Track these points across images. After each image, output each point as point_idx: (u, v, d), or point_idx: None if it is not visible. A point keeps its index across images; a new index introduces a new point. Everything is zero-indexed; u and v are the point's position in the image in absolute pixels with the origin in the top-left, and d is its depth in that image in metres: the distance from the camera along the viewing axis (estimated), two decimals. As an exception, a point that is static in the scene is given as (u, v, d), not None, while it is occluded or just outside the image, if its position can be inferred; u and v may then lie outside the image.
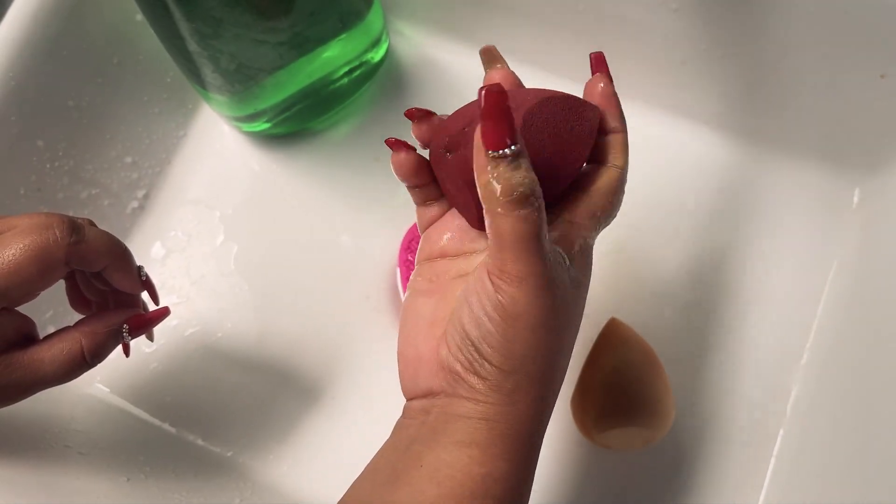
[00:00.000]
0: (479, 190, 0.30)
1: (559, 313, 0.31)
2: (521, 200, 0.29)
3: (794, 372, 0.52)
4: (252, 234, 0.57)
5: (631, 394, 0.48)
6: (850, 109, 0.52)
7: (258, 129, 0.56)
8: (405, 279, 0.53)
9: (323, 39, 0.51)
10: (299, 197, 0.57)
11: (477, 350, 0.31)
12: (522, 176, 0.29)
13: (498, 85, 0.29)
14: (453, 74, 0.59)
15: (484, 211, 0.30)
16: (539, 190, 0.29)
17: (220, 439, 0.52)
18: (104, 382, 0.53)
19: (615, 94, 0.35)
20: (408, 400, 0.35)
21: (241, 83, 0.50)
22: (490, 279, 0.31)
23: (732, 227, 0.55)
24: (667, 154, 0.57)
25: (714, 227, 0.56)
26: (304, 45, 0.50)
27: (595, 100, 0.35)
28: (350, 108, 0.59)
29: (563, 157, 0.32)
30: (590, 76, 0.36)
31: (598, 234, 0.34)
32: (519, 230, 0.29)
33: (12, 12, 0.49)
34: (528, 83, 0.58)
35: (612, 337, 0.50)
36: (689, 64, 0.54)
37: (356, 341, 0.54)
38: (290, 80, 0.52)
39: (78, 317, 0.42)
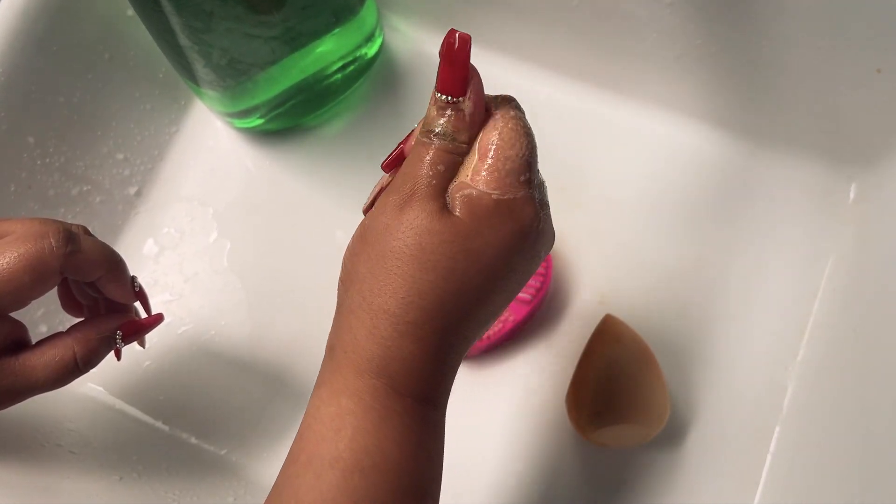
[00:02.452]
0: None
1: (400, 240, 0.30)
2: (435, 138, 0.31)
3: (790, 368, 0.52)
4: (245, 231, 0.56)
5: (626, 391, 0.48)
6: (846, 104, 0.52)
7: (251, 125, 0.56)
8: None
9: (316, 34, 0.50)
10: (293, 193, 0.57)
11: (340, 272, 0.32)
12: (444, 120, 0.31)
13: (466, 35, 0.30)
14: (448, 70, 0.59)
15: None
16: (460, 147, 0.31)
17: (214, 438, 0.52)
18: (96, 381, 0.53)
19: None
20: None
21: (233, 78, 0.50)
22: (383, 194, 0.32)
23: (728, 223, 0.55)
24: (662, 150, 0.57)
25: (710, 223, 0.55)
26: (297, 39, 0.50)
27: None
28: (344, 104, 0.58)
29: None
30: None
31: (517, 176, 0.31)
32: (417, 149, 0.31)
33: (2, 7, 0.48)
34: (522, 78, 0.58)
35: (607, 334, 0.50)
36: (684, 59, 0.53)
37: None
38: (283, 75, 0.52)
39: (70, 317, 0.42)
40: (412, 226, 0.30)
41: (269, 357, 0.54)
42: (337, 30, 0.51)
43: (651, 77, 0.56)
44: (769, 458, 0.51)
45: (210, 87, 0.51)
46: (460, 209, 0.30)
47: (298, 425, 0.51)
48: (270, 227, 0.56)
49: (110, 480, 0.46)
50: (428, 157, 0.31)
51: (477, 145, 0.31)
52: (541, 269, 0.52)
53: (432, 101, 0.31)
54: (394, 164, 0.34)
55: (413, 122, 0.35)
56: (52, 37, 0.50)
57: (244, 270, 0.55)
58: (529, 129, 0.32)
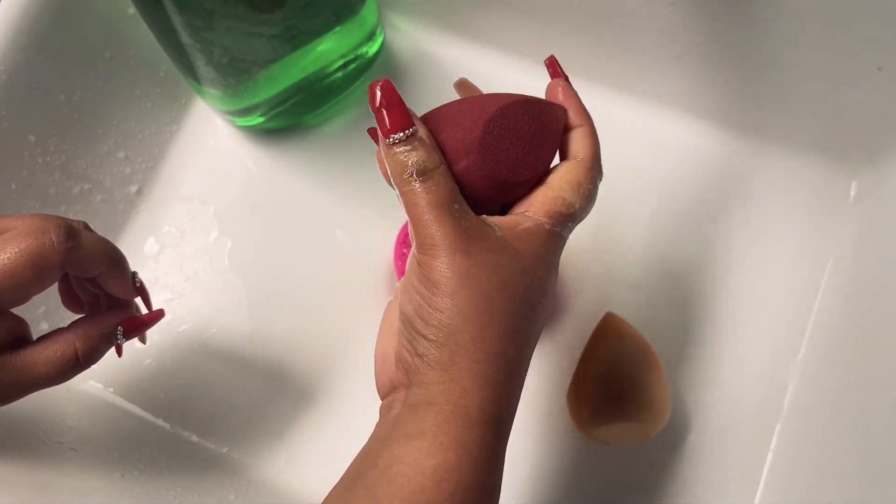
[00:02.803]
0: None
1: (485, 280, 0.31)
2: (417, 174, 0.31)
3: (790, 366, 0.52)
4: (246, 230, 0.56)
5: (627, 389, 0.48)
6: (847, 102, 0.52)
7: (252, 123, 0.56)
8: (401, 273, 0.53)
9: (317, 33, 0.50)
10: (294, 192, 0.57)
11: (414, 328, 0.31)
12: (417, 155, 0.31)
13: (384, 80, 0.32)
14: (448, 68, 0.59)
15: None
16: (439, 165, 0.31)
17: (215, 436, 0.52)
18: (98, 379, 0.53)
19: (575, 93, 0.36)
20: (381, 400, 0.35)
21: (234, 77, 0.50)
22: (415, 256, 0.32)
23: (729, 221, 0.55)
24: (663, 147, 0.57)
25: (711, 221, 0.55)
26: (298, 38, 0.50)
27: (557, 101, 0.36)
28: (344, 103, 0.58)
29: (527, 157, 0.34)
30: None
31: (567, 225, 0.34)
32: (420, 201, 0.31)
33: (3, 5, 0.48)
34: (524, 76, 0.58)
35: (609, 332, 0.50)
36: (686, 57, 0.53)
37: (351, 337, 0.54)
38: (284, 73, 0.52)
39: (71, 314, 0.42)
40: (491, 263, 0.31)
41: (270, 355, 0.54)
42: (338, 28, 0.51)
43: (652, 75, 0.56)
44: (770, 455, 0.51)
45: (211, 86, 0.51)
46: (518, 240, 0.32)
47: (300, 421, 0.52)
48: (271, 226, 0.56)
49: (111, 478, 0.46)
50: (443, 196, 0.31)
51: (549, 176, 0.34)
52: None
53: (388, 153, 0.32)
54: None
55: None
56: (53, 35, 0.50)
57: (245, 269, 0.55)
58: (597, 186, 0.35)
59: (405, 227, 0.53)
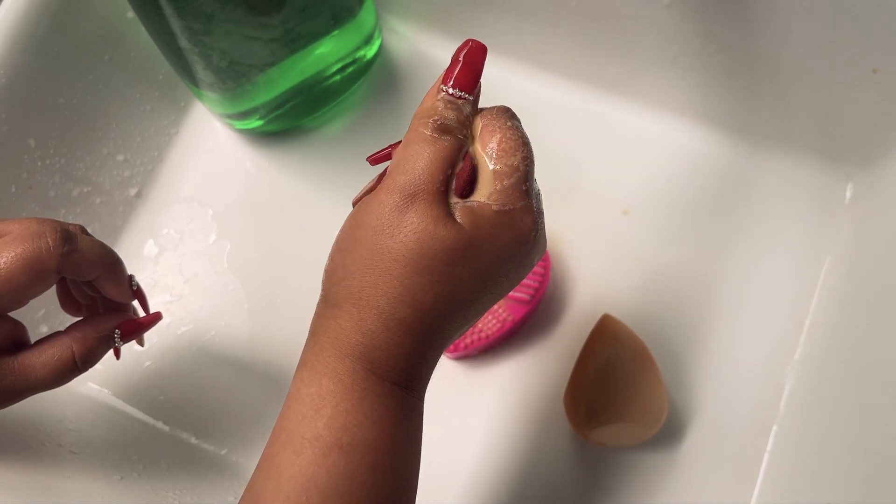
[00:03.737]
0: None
1: (393, 238, 0.30)
2: (434, 126, 0.31)
3: (787, 367, 0.52)
4: (245, 232, 0.56)
5: (623, 390, 0.48)
6: (842, 104, 0.52)
7: (251, 126, 0.56)
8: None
9: (315, 36, 0.51)
10: (292, 194, 0.57)
11: (330, 256, 0.32)
12: (454, 114, 0.31)
13: (481, 46, 0.31)
14: (446, 71, 0.59)
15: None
16: (465, 133, 0.31)
17: (214, 437, 0.52)
18: (97, 381, 0.53)
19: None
20: None
21: (232, 80, 0.50)
22: (376, 191, 0.31)
23: (725, 223, 0.55)
24: (659, 150, 0.57)
25: (707, 223, 0.56)
26: (296, 41, 0.50)
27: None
28: (343, 105, 0.59)
29: None
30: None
31: (517, 187, 0.31)
32: (419, 145, 0.30)
33: (2, 9, 0.49)
34: (520, 79, 0.58)
35: (605, 333, 0.50)
36: (682, 59, 0.54)
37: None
38: (283, 77, 0.52)
39: (70, 317, 0.42)
40: (415, 230, 0.30)
41: (269, 357, 0.54)
42: (336, 32, 0.52)
43: (649, 77, 0.56)
44: (766, 456, 0.51)
45: (210, 89, 0.51)
46: (462, 217, 0.30)
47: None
48: (270, 228, 0.57)
49: (111, 480, 0.46)
50: (437, 153, 0.31)
51: (479, 159, 0.31)
52: (539, 270, 0.52)
53: (436, 96, 0.31)
54: (381, 161, 0.34)
55: (411, 123, 0.35)
56: (53, 39, 0.50)
57: (244, 271, 0.56)
58: (527, 138, 0.32)
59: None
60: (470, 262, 0.30)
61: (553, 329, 0.53)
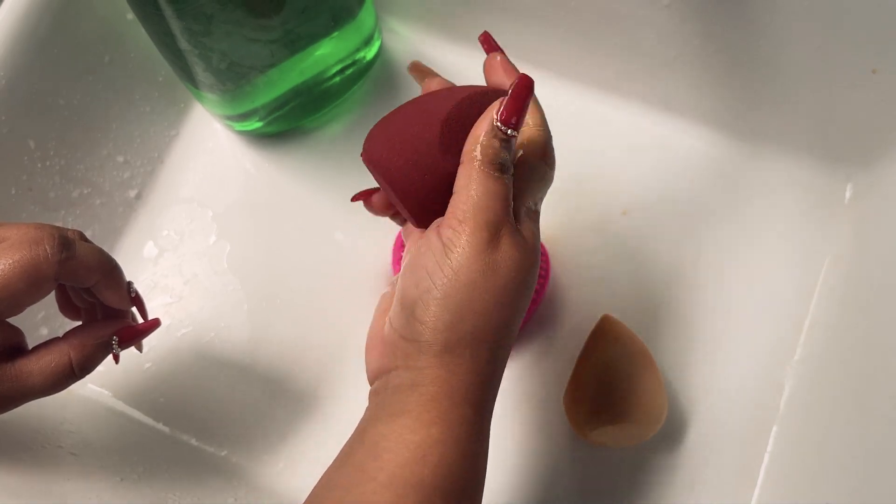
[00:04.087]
0: (469, 145, 0.32)
1: (502, 274, 0.31)
2: (498, 166, 0.32)
3: (787, 368, 0.52)
4: (245, 233, 0.56)
5: (623, 391, 0.48)
6: (842, 104, 0.52)
7: (250, 127, 0.56)
8: (398, 277, 0.53)
9: (315, 37, 0.51)
10: (292, 195, 0.57)
11: (413, 313, 0.32)
12: (506, 154, 0.32)
13: (530, 79, 0.32)
14: (445, 72, 0.58)
15: (461, 167, 0.32)
16: (513, 165, 0.33)
17: (214, 439, 0.52)
18: (97, 383, 0.53)
19: (512, 65, 0.36)
20: (370, 385, 0.36)
21: (232, 81, 0.50)
22: (440, 235, 0.32)
23: (725, 223, 0.56)
24: (659, 150, 0.57)
25: (706, 223, 0.56)
26: (296, 42, 0.50)
27: (497, 74, 0.36)
28: (342, 107, 0.59)
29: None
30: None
31: (535, 194, 0.35)
32: (491, 185, 0.32)
33: (2, 10, 0.49)
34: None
35: (605, 334, 0.50)
36: (681, 60, 0.54)
37: (350, 339, 0.54)
38: (282, 78, 0.52)
39: (69, 320, 0.42)
40: (512, 259, 0.31)
41: (270, 359, 0.54)
42: (336, 33, 0.52)
43: (648, 78, 0.56)
44: (767, 457, 0.51)
45: (209, 91, 0.51)
46: (527, 232, 0.33)
47: (299, 425, 0.52)
48: (270, 230, 0.57)
49: (111, 482, 0.46)
50: (503, 191, 0.32)
51: (527, 165, 0.34)
52: (539, 270, 0.52)
53: (492, 133, 0.32)
54: (362, 198, 0.38)
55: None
56: (53, 40, 0.50)
57: (244, 272, 0.56)
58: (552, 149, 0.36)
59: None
60: (531, 272, 0.33)
61: (553, 330, 0.54)
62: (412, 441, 0.30)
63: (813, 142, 0.55)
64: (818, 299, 0.53)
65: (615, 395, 0.48)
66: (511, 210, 0.32)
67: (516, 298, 0.32)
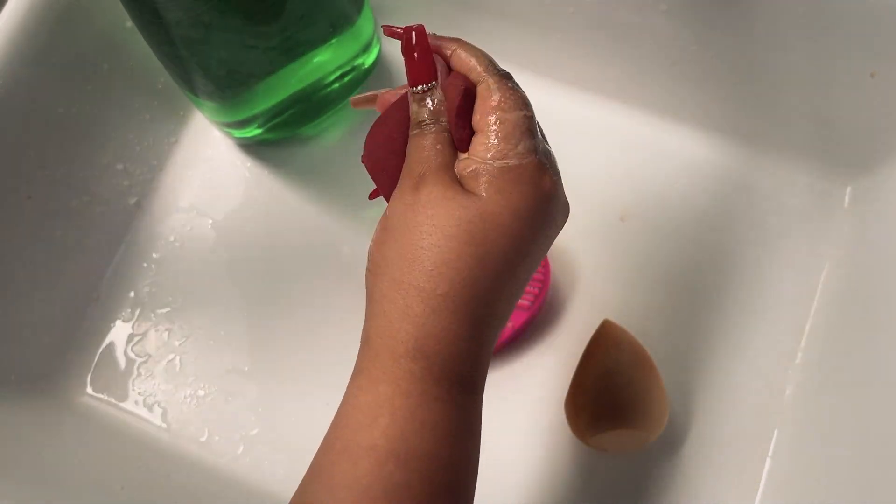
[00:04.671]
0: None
1: (418, 213, 0.31)
2: (418, 124, 0.33)
3: (788, 372, 0.52)
4: (244, 241, 0.56)
5: (624, 396, 0.48)
6: (841, 108, 0.52)
7: (249, 134, 0.56)
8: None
9: (313, 44, 0.51)
10: (291, 203, 0.57)
11: (367, 266, 0.32)
12: (425, 110, 0.33)
13: (409, 30, 0.33)
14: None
15: None
16: (440, 116, 0.33)
17: (214, 446, 0.52)
18: (97, 390, 0.53)
19: (424, 43, 0.35)
20: None
21: (231, 89, 0.50)
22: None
23: (724, 228, 0.55)
24: (657, 155, 0.57)
25: (706, 228, 0.56)
26: (295, 49, 0.50)
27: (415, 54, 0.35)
28: (341, 114, 0.59)
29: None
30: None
31: (515, 147, 0.32)
32: (414, 140, 0.33)
33: (2, 19, 0.49)
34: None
35: (606, 339, 0.50)
36: (680, 65, 0.54)
37: (351, 346, 0.53)
38: (281, 85, 0.52)
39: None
40: (430, 199, 0.31)
41: (270, 366, 0.54)
42: (334, 40, 0.52)
43: (647, 83, 0.56)
44: (768, 461, 0.51)
45: (208, 98, 0.51)
46: (469, 183, 0.31)
47: (300, 432, 0.52)
48: (269, 236, 0.57)
49: (112, 490, 0.46)
50: (426, 142, 0.32)
51: (477, 124, 0.32)
52: (539, 276, 0.52)
53: (411, 98, 0.33)
54: (363, 104, 0.38)
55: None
56: (51, 49, 0.51)
57: (243, 279, 0.56)
58: (525, 97, 0.33)
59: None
60: (489, 221, 0.30)
61: (553, 335, 0.53)
62: (364, 402, 0.30)
63: (812, 146, 0.55)
64: (819, 303, 0.53)
65: (616, 400, 0.48)
66: (442, 158, 0.32)
67: (446, 240, 0.30)
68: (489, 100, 0.32)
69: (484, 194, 0.31)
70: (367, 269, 0.33)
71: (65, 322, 0.54)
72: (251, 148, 0.58)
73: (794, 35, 0.49)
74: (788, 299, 0.54)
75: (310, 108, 0.56)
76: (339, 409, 0.31)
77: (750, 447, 0.51)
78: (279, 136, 0.57)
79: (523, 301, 0.51)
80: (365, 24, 0.54)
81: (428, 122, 0.33)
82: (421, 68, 0.33)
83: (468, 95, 0.33)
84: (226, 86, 0.50)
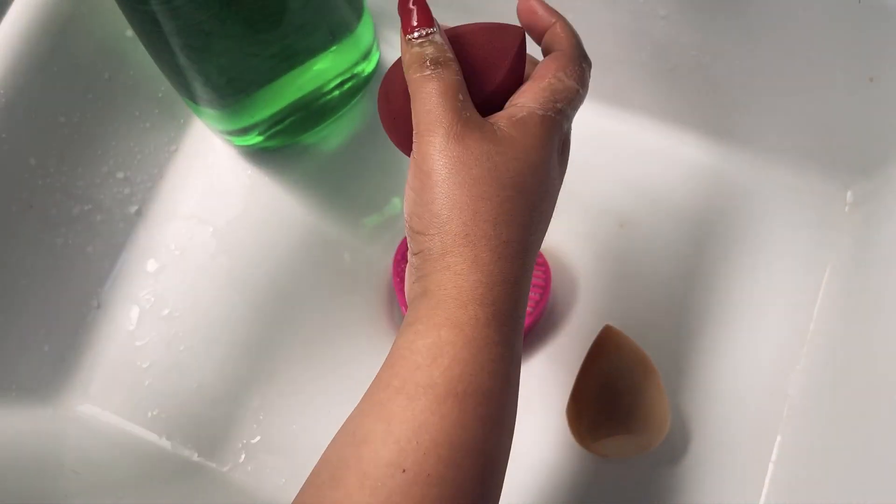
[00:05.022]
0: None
1: (475, 166, 0.31)
2: (427, 63, 0.32)
3: (790, 376, 0.52)
4: (245, 248, 0.56)
5: (626, 401, 0.48)
6: (840, 113, 0.52)
7: (250, 142, 0.56)
8: (400, 289, 0.53)
9: (313, 52, 0.51)
10: (292, 210, 0.57)
11: (412, 228, 0.32)
12: (431, 49, 0.32)
13: None
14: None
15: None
16: (449, 57, 0.32)
17: (216, 455, 0.52)
18: (97, 400, 0.53)
19: (539, 2, 0.37)
20: None
21: (231, 97, 0.50)
22: (413, 153, 0.32)
23: (726, 233, 0.56)
24: (658, 160, 0.57)
25: (707, 233, 0.56)
26: (295, 57, 0.50)
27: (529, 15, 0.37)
28: (341, 121, 0.59)
29: (486, 65, 0.35)
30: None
31: (560, 109, 0.34)
32: (429, 86, 0.32)
33: (2, 29, 0.49)
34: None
35: (607, 344, 0.50)
36: (679, 70, 0.54)
37: (351, 352, 0.54)
38: (281, 93, 0.52)
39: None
40: (482, 151, 0.31)
41: (271, 373, 0.54)
42: (334, 47, 0.52)
43: (646, 88, 0.56)
44: (771, 466, 0.51)
45: (209, 106, 0.51)
46: (512, 128, 0.32)
47: (302, 440, 0.52)
48: (270, 244, 0.57)
49: (114, 499, 0.46)
50: (437, 88, 0.32)
51: (536, 72, 0.34)
52: (540, 282, 0.52)
53: (407, 46, 0.33)
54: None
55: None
56: (52, 57, 0.51)
57: (244, 287, 0.56)
58: (587, 87, 0.35)
59: (403, 242, 0.53)
60: (531, 168, 0.32)
61: (555, 340, 0.53)
62: (423, 345, 0.30)
63: (812, 150, 0.55)
64: (820, 307, 0.53)
65: (618, 406, 0.48)
66: (465, 102, 0.32)
67: (502, 189, 0.31)
68: (561, 61, 0.34)
69: (526, 140, 0.32)
70: (416, 230, 0.32)
71: (65, 330, 0.53)
72: (252, 155, 0.58)
73: (792, 40, 0.49)
74: (790, 303, 0.54)
75: (310, 115, 0.56)
76: (391, 354, 0.31)
77: (753, 453, 0.51)
78: (279, 144, 0.58)
79: (524, 307, 0.51)
80: (365, 32, 0.54)
81: (439, 59, 0.32)
82: (421, 13, 0.33)
83: (521, 52, 0.35)
84: (226, 94, 0.50)
